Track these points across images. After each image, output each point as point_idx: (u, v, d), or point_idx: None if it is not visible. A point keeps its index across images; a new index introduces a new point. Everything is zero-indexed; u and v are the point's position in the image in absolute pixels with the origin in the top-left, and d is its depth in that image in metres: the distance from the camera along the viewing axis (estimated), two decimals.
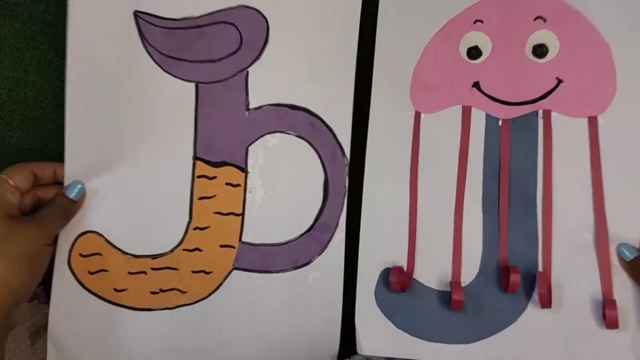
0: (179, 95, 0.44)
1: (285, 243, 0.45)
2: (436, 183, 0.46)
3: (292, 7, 0.44)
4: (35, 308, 0.46)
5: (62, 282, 0.43)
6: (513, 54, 0.45)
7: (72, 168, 0.43)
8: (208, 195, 0.45)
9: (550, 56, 0.45)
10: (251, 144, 0.45)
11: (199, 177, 0.45)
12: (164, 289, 0.44)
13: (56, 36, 0.45)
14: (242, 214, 0.45)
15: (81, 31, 0.42)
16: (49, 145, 0.44)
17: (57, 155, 0.43)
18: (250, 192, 0.45)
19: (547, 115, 0.45)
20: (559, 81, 0.45)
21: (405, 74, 0.46)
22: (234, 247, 0.45)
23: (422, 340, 0.46)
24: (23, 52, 0.46)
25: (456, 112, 0.46)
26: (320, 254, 0.45)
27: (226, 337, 0.45)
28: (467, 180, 0.46)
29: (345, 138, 0.46)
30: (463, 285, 0.45)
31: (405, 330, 0.46)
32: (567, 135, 0.45)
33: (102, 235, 0.43)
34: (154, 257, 0.44)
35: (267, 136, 0.45)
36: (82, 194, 0.43)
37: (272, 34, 0.44)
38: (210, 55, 0.44)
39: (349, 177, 0.46)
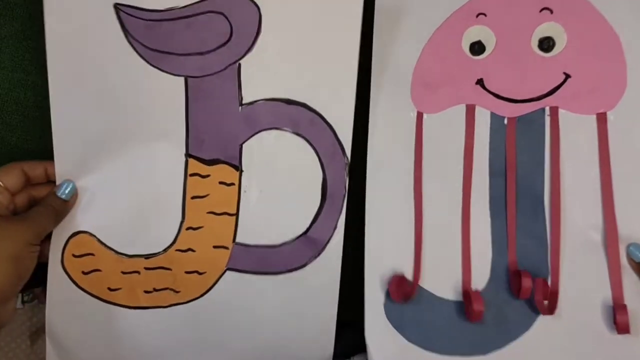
0: (168, 90, 0.42)
1: (280, 245, 0.43)
2: (441, 186, 0.44)
3: None
4: (35, 308, 0.46)
5: (57, 282, 0.43)
6: (518, 48, 0.43)
7: (62, 167, 0.42)
8: (201, 194, 0.43)
9: (557, 50, 0.42)
10: (245, 141, 0.43)
11: (191, 175, 0.43)
12: (157, 288, 0.44)
13: None
14: (236, 214, 0.43)
15: (59, 27, 0.40)
16: (49, 145, 0.43)
17: None
18: (245, 191, 0.43)
19: (554, 112, 0.43)
20: (567, 76, 0.42)
21: (405, 74, 0.44)
22: (227, 248, 0.43)
23: (434, 354, 0.44)
24: (23, 52, 0.45)
25: (460, 111, 0.44)
26: (316, 258, 0.43)
27: (219, 338, 0.44)
28: (473, 182, 0.43)
29: (346, 135, 0.43)
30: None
31: (417, 344, 0.44)
32: (575, 132, 0.43)
33: (94, 236, 0.43)
34: (147, 257, 0.43)
35: (262, 133, 0.43)
36: (73, 193, 0.42)
37: (265, 23, 0.41)
38: (199, 47, 0.41)
39: (349, 177, 0.43)
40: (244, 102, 0.42)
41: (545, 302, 0.43)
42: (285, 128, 0.43)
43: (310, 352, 0.44)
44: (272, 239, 0.43)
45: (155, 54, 0.41)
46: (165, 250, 0.43)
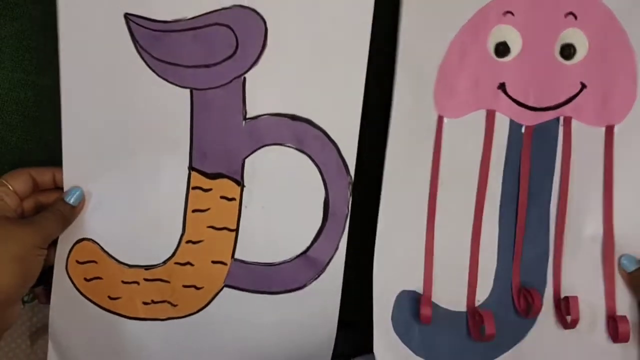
0: (174, 101, 0.41)
1: (280, 264, 0.43)
2: (455, 197, 0.43)
3: (293, 6, 0.40)
4: (35, 308, 0.47)
5: (61, 287, 0.43)
6: (542, 53, 0.41)
7: (70, 174, 0.42)
8: (202, 208, 0.42)
9: (577, 58, 0.41)
10: (248, 155, 0.42)
11: (194, 188, 0.42)
12: (155, 300, 0.43)
13: (56, 36, 0.44)
14: (236, 230, 0.43)
15: (73, 34, 0.40)
16: (49, 145, 0.43)
17: (57, 155, 0.42)
18: (246, 207, 0.42)
19: (567, 122, 0.42)
20: (583, 86, 0.41)
21: (429, 74, 0.41)
22: (225, 264, 0.43)
23: None
24: (23, 52, 0.45)
25: (479, 117, 0.42)
26: (316, 279, 0.42)
27: (215, 354, 0.44)
28: (487, 193, 0.43)
29: (350, 154, 0.42)
30: (477, 304, 0.43)
31: (424, 357, 0.43)
32: (585, 144, 0.42)
33: (97, 243, 0.43)
34: (146, 267, 0.43)
35: (266, 148, 0.42)
36: (81, 199, 0.43)
37: (271, 37, 0.40)
38: (205, 59, 0.40)
39: (352, 196, 0.41)
40: (248, 116, 0.41)
41: (568, 317, 0.43)
42: (289, 144, 0.42)
43: None
44: (271, 257, 0.43)
45: (162, 64, 0.40)
46: (164, 262, 0.43)
